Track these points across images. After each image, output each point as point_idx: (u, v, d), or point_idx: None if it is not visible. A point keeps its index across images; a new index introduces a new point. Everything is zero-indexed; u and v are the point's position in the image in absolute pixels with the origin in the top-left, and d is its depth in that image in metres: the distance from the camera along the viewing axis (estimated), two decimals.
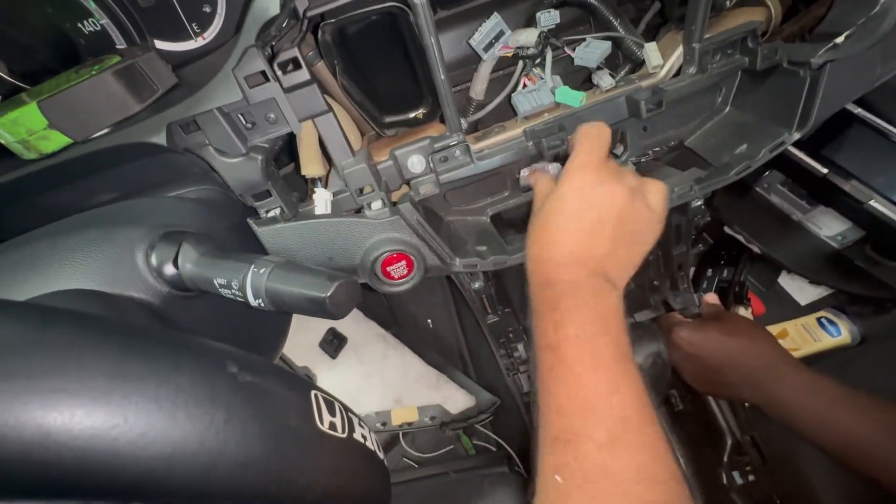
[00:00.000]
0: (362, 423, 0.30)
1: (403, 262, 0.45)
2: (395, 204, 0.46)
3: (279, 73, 0.38)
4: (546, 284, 0.40)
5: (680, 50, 0.50)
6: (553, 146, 0.46)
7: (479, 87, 0.58)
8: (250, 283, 0.33)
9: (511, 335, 0.74)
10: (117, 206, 0.39)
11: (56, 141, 0.37)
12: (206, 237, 0.37)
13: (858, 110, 0.79)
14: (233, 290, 0.34)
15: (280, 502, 0.22)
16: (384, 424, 1.05)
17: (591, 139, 0.43)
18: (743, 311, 1.01)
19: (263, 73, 0.37)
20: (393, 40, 0.49)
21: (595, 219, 0.40)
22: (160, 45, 0.48)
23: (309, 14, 0.41)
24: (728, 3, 0.49)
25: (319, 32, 0.43)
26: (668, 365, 0.56)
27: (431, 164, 0.46)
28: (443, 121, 0.52)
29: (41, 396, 0.16)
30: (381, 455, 0.31)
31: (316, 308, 0.31)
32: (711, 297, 0.69)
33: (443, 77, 0.43)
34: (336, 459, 0.25)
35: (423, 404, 1.05)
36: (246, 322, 0.44)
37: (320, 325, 1.13)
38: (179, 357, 0.20)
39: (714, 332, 0.56)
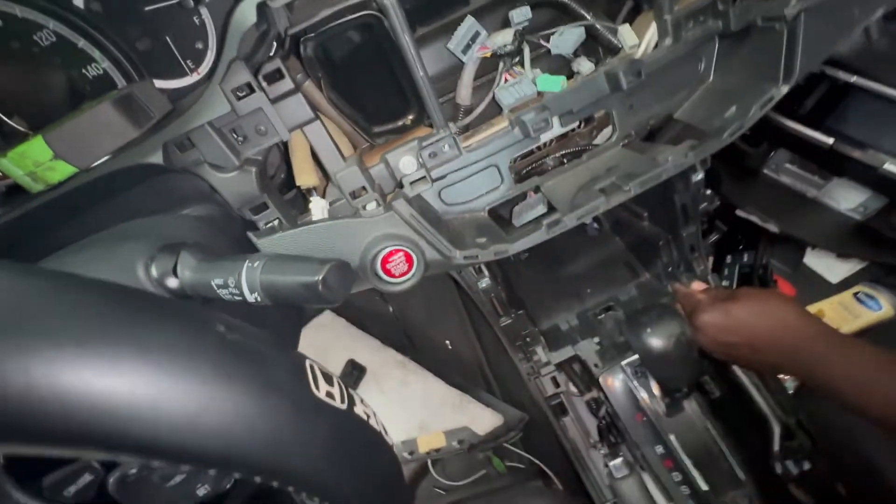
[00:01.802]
0: (366, 403, 0.29)
1: (403, 258, 0.45)
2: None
3: (264, 84, 0.40)
4: None
5: (654, 25, 0.51)
6: (538, 127, 0.46)
7: (464, 93, 0.60)
8: (245, 277, 0.33)
9: (528, 339, 0.72)
10: (118, 227, 0.40)
11: (61, 171, 0.39)
12: (203, 246, 0.38)
13: (854, 78, 0.78)
14: (230, 289, 0.34)
15: (274, 472, 0.21)
16: (411, 453, 1.01)
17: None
18: None
19: (249, 84, 0.39)
20: (374, 51, 0.52)
21: None
22: (159, 83, 0.51)
23: (290, 32, 0.43)
24: None
25: (301, 48, 0.46)
26: (694, 344, 0.53)
27: (421, 160, 0.47)
28: (429, 125, 0.53)
29: (21, 346, 0.16)
30: (388, 438, 0.29)
31: (310, 294, 0.31)
32: (698, 285, 0.65)
33: (421, 73, 0.44)
34: (335, 430, 0.23)
35: (449, 428, 1.01)
36: (263, 317, 0.44)
37: (339, 357, 1.12)
38: (165, 311, 0.20)
39: (743, 312, 0.52)
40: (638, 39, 0.54)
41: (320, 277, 0.31)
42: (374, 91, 0.55)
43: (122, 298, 0.20)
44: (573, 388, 0.80)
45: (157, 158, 0.40)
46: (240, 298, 0.34)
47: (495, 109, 0.58)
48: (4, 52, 0.45)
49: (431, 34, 0.60)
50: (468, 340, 1.13)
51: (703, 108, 0.53)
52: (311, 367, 0.24)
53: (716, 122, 0.50)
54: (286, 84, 0.40)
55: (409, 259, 0.45)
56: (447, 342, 1.14)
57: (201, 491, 0.25)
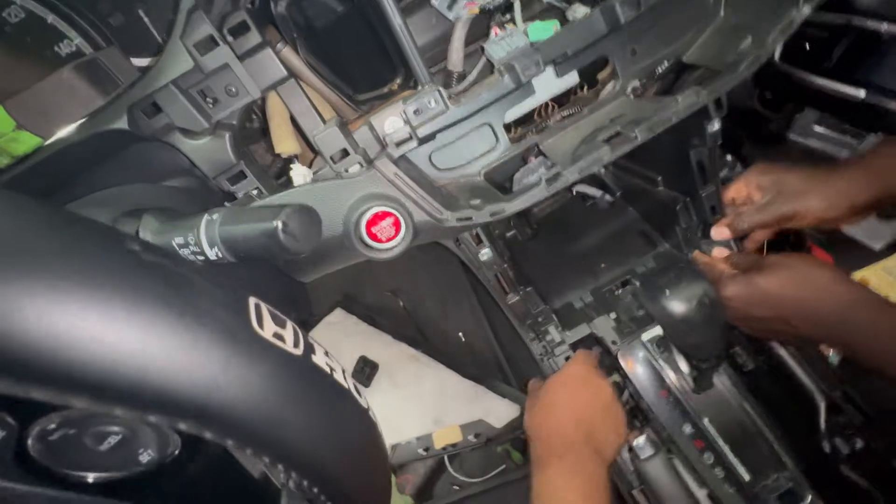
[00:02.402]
0: (332, 358, 0.25)
1: (390, 221, 0.42)
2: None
3: (230, 37, 0.37)
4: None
5: None
6: (529, 72, 0.42)
7: (454, 57, 0.56)
8: (204, 230, 0.30)
9: (540, 319, 0.67)
10: (88, 197, 0.38)
11: (26, 142, 0.38)
12: (169, 209, 0.35)
13: (885, 26, 0.72)
14: (191, 248, 0.31)
15: (201, 417, 0.17)
16: (427, 449, 0.97)
17: (584, 353, 0.61)
18: None
19: (212, 37, 0.37)
20: (353, 11, 0.49)
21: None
22: (136, 61, 0.50)
23: None
24: None
25: (272, 5, 0.43)
26: (718, 305, 0.47)
27: (405, 117, 0.44)
28: (416, 86, 0.50)
29: None
30: (360, 399, 0.26)
31: (271, 242, 0.28)
32: (719, 252, 0.60)
33: (399, 21, 0.41)
34: (283, 376, 0.20)
35: (465, 422, 0.97)
36: None
37: (350, 355, 1.10)
38: (63, 227, 0.17)
39: (771, 282, 0.46)
40: None
41: (279, 221, 0.28)
42: (356, 55, 0.53)
43: (19, 213, 0.17)
44: None
45: (121, 123, 0.38)
46: (203, 259, 0.31)
47: (490, 74, 0.54)
48: None
49: (417, 2, 0.57)
50: (482, 331, 1.09)
51: (714, 46, 0.48)
52: (258, 307, 0.21)
53: (729, 57, 0.45)
54: (253, 37, 0.38)
55: (396, 223, 0.42)
56: (460, 334, 1.11)
57: (144, 457, 0.22)
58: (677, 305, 0.47)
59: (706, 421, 0.56)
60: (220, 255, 0.30)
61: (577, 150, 0.46)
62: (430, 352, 1.07)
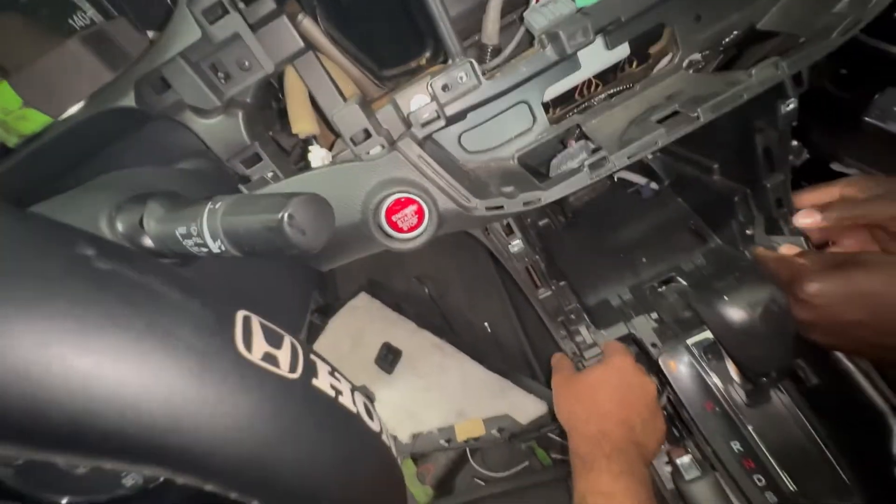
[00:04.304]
0: (339, 377, 0.22)
1: (412, 208, 0.38)
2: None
3: (241, 4, 0.34)
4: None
5: None
6: (576, 42, 0.37)
7: (490, 28, 0.51)
8: (206, 221, 0.27)
9: (572, 316, 0.62)
10: (92, 181, 0.36)
11: (34, 120, 0.36)
12: (176, 194, 0.33)
13: None
14: (194, 239, 0.28)
15: (171, 457, 0.14)
16: (449, 441, 0.95)
17: (623, 346, 0.58)
18: None
19: (222, 4, 0.33)
20: None
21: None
22: (151, 35, 0.48)
23: None
24: None
25: None
26: (788, 314, 0.41)
27: (433, 92, 0.39)
28: (446, 61, 0.45)
29: None
30: (372, 423, 0.22)
31: (276, 237, 0.25)
32: (789, 248, 0.51)
33: None
34: (274, 407, 0.17)
35: (489, 416, 0.94)
36: (248, 295, 0.39)
37: (373, 341, 1.08)
38: (8, 229, 0.14)
39: (875, 281, 0.39)
40: None
41: (285, 213, 0.24)
42: (382, 26, 0.48)
43: None
44: None
45: (129, 101, 0.35)
46: (206, 250, 0.28)
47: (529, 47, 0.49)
48: None
49: None
50: (509, 323, 1.05)
51: (798, 9, 0.40)
52: (247, 321, 0.18)
53: (819, 21, 0.38)
54: (267, 4, 0.34)
55: (419, 211, 0.38)
56: (486, 325, 1.07)
57: (128, 480, 0.20)
58: (738, 313, 0.41)
59: (758, 438, 0.50)
60: (223, 248, 0.27)
61: (625, 132, 0.41)
62: (455, 342, 1.04)
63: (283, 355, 0.18)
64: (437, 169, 0.37)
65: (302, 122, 0.42)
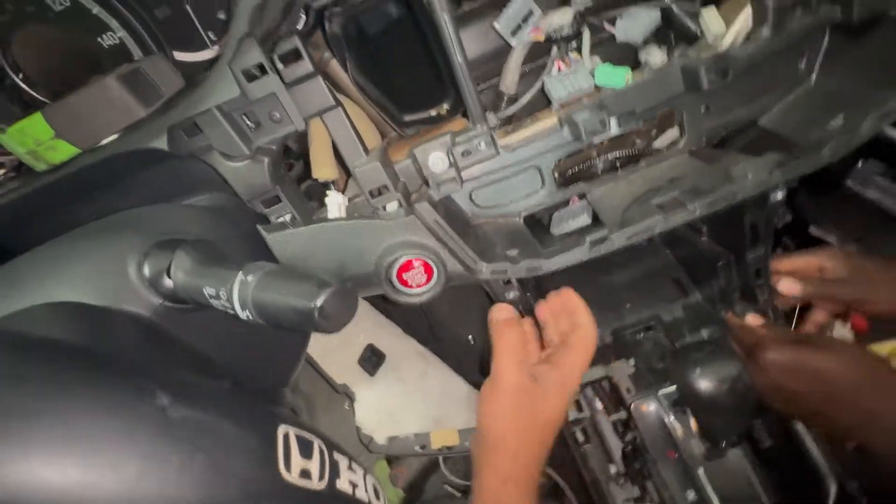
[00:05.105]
0: (354, 466, 0.24)
1: (421, 268, 0.40)
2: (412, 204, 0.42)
3: (280, 65, 0.35)
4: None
5: (748, 10, 0.42)
6: (593, 130, 0.39)
7: (509, 79, 0.53)
8: (237, 291, 0.29)
9: None
10: (119, 215, 0.37)
11: (63, 151, 0.36)
12: (205, 244, 0.34)
13: None
14: (222, 301, 0.30)
15: None
16: (423, 447, 0.99)
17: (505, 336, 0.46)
18: (840, 328, 0.85)
19: (262, 65, 0.34)
20: (409, 28, 0.46)
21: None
22: (178, 55, 0.48)
23: (315, 5, 0.38)
24: None
25: (326, 23, 0.40)
26: (751, 391, 0.46)
27: (453, 158, 0.41)
28: (466, 115, 0.47)
29: None
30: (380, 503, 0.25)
31: (304, 320, 0.27)
32: (754, 319, 0.56)
33: (460, 60, 0.38)
34: None
35: (464, 427, 0.98)
36: (253, 339, 0.41)
37: (360, 340, 1.11)
38: (91, 385, 0.16)
39: (825, 360, 0.44)
40: (725, 27, 0.45)
41: (317, 305, 0.26)
42: (407, 75, 0.50)
43: (46, 360, 0.16)
44: (599, 405, 0.74)
45: (161, 143, 0.36)
46: (231, 313, 0.30)
47: (543, 100, 0.51)
48: (20, 17, 0.42)
49: (476, 10, 0.52)
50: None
51: (797, 114, 0.43)
52: (286, 438, 0.20)
53: (813, 133, 0.41)
54: (304, 66, 0.35)
55: (428, 270, 0.41)
56: (470, 337, 1.10)
57: None
58: (706, 384, 0.45)
59: (710, 490, 0.55)
60: (250, 317, 0.29)
61: (627, 209, 0.44)
62: (439, 352, 1.07)
63: (314, 466, 0.21)
64: (450, 233, 0.40)
65: (324, 168, 0.43)
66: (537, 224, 0.52)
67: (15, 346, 0.18)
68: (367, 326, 1.13)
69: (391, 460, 1.04)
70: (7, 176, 0.41)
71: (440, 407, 1.02)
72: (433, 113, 0.51)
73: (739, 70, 0.40)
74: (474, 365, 1.05)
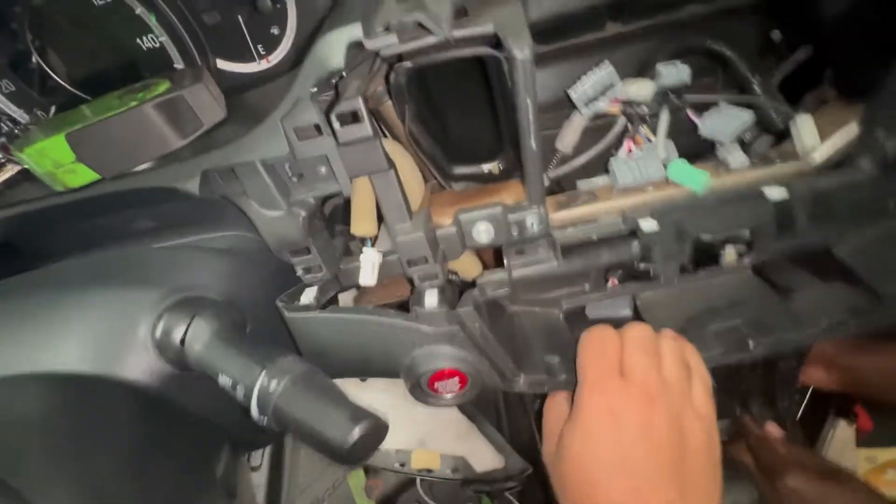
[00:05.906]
0: None
1: (457, 379, 0.37)
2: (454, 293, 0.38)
3: (336, 124, 0.31)
4: None
5: (849, 130, 0.39)
6: (661, 255, 0.36)
7: (568, 140, 0.49)
8: (257, 395, 0.26)
9: None
10: (135, 254, 0.34)
11: (83, 175, 0.33)
12: (225, 309, 0.31)
13: None
14: (237, 394, 0.27)
15: None
16: (403, 465, 0.98)
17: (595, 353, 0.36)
18: (845, 427, 0.83)
19: (317, 126, 0.31)
20: (476, 83, 0.42)
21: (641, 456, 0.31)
22: (221, 64, 0.44)
23: (384, 54, 0.34)
24: None
25: (392, 73, 0.36)
26: None
27: (507, 264, 0.38)
28: (519, 177, 0.44)
29: None
30: None
31: (329, 450, 0.24)
32: (773, 429, 0.55)
33: (534, 146, 0.34)
34: None
35: (447, 453, 0.97)
36: None
37: None
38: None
39: (842, 501, 0.43)
40: (819, 139, 0.41)
41: (349, 442, 0.23)
42: (464, 127, 0.46)
43: None
44: None
45: (192, 187, 0.33)
46: (244, 406, 0.27)
47: (598, 165, 0.47)
48: (61, 7, 0.38)
49: (547, 55, 0.48)
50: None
51: (877, 252, 0.40)
52: None
53: (892, 283, 0.37)
54: (364, 129, 0.31)
55: (462, 381, 0.37)
56: None
57: None
58: None
59: None
60: (265, 422, 0.26)
61: (681, 329, 0.40)
62: None
63: None
64: (493, 344, 0.36)
65: (364, 224, 0.39)
66: (578, 318, 0.48)
67: None
68: None
69: (368, 471, 1.03)
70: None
71: (426, 429, 1.00)
72: (485, 169, 0.47)
73: (828, 199, 0.36)
74: None
